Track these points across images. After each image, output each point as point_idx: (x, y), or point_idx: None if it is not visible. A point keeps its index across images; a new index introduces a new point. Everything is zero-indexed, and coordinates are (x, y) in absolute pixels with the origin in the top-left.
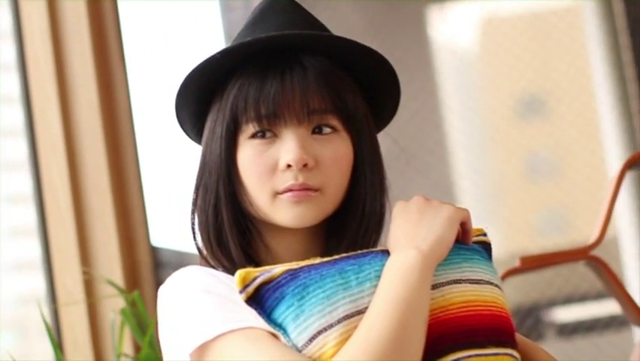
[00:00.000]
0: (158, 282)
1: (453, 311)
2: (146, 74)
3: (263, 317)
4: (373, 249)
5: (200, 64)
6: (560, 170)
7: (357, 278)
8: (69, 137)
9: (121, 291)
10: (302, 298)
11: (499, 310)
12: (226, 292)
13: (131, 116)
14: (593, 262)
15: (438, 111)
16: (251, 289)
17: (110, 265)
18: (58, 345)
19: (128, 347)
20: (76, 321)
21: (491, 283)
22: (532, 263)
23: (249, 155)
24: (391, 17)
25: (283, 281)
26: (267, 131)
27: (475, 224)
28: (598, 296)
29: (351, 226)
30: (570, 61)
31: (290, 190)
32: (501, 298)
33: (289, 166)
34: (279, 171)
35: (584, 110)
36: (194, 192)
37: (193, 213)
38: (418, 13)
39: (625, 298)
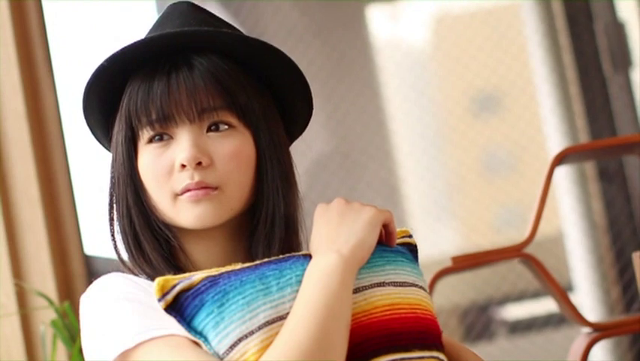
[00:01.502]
0: None
1: (376, 315)
2: (75, 79)
3: (183, 325)
4: (295, 253)
5: (92, 75)
6: (515, 168)
7: (278, 283)
8: None
9: (50, 302)
10: (222, 305)
11: (424, 312)
12: (147, 300)
13: (60, 124)
14: (527, 259)
15: (383, 111)
16: (170, 297)
17: (42, 276)
18: None
19: (61, 357)
20: (10, 333)
21: (416, 285)
22: (465, 262)
23: (147, 160)
24: (334, 17)
25: (203, 288)
26: (162, 134)
27: (431, 223)
28: (536, 294)
29: (261, 227)
30: (522, 58)
31: (188, 190)
32: (426, 300)
33: (184, 166)
34: (175, 173)
35: (530, 106)
36: (109, 202)
37: (111, 222)
38: (360, 13)
39: (559, 295)
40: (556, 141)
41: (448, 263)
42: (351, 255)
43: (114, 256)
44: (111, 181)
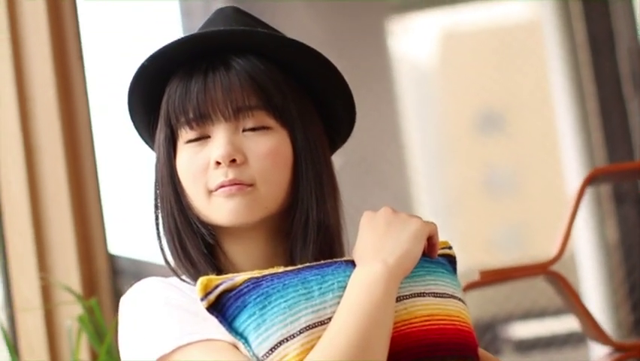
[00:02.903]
0: (116, 290)
1: (416, 325)
2: (105, 78)
3: (224, 325)
4: (337, 259)
5: (134, 75)
6: (518, 185)
7: (320, 289)
8: (27, 143)
9: (78, 298)
10: (264, 307)
11: (463, 324)
12: (186, 304)
13: (89, 122)
14: (552, 277)
15: (397, 122)
16: (212, 296)
17: (67, 272)
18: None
19: (84, 354)
20: (33, 327)
21: (455, 297)
22: (492, 277)
23: (184, 158)
24: (351, 27)
25: (245, 290)
26: (199, 133)
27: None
28: (556, 312)
29: (295, 229)
30: (529, 76)
31: (222, 187)
32: (464, 312)
33: (218, 164)
34: (210, 170)
35: (542, 126)
36: (154, 203)
37: (156, 221)
38: (378, 24)
39: (583, 313)
40: (573, 162)
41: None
42: (396, 265)
43: (137, 257)
44: (155, 181)
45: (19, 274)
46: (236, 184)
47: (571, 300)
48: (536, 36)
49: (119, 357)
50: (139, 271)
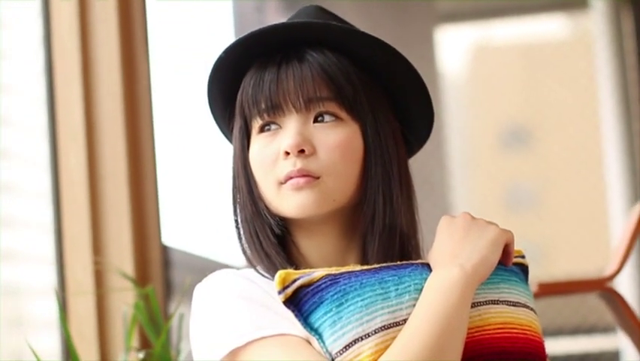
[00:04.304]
0: (167, 280)
1: (489, 332)
2: (168, 71)
3: (299, 320)
4: (413, 261)
5: (212, 67)
6: (540, 202)
7: (397, 290)
8: (90, 129)
9: (135, 284)
10: (341, 304)
11: (534, 334)
12: (260, 298)
13: (151, 113)
14: (609, 294)
15: (442, 132)
16: (290, 290)
17: (121, 259)
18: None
19: (134, 342)
20: (84, 312)
21: (527, 307)
22: (550, 290)
23: (256, 149)
24: (399, 36)
25: (323, 285)
26: (271, 123)
27: None
28: (590, 330)
29: (361, 225)
30: (558, 93)
31: (290, 178)
32: (536, 322)
33: (287, 154)
34: (280, 161)
35: (568, 143)
36: (232, 194)
37: (234, 212)
38: (426, 33)
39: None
40: (616, 181)
41: None
42: (473, 271)
43: (189, 250)
44: (232, 173)
45: (74, 257)
46: (304, 175)
47: (626, 317)
48: (567, 53)
49: (171, 350)
50: (190, 264)
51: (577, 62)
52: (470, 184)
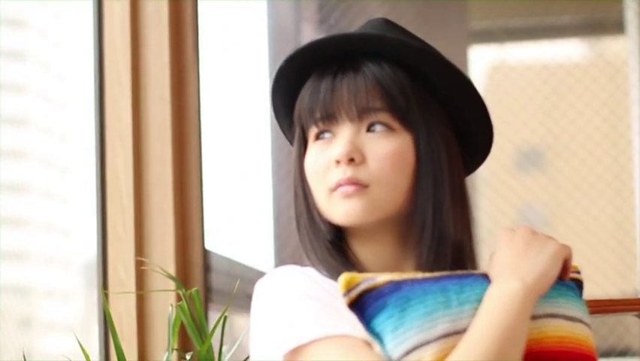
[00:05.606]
0: (207, 285)
1: (547, 345)
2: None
3: (362, 324)
4: (473, 271)
5: (274, 76)
6: (551, 224)
7: (458, 299)
8: (138, 132)
9: (179, 285)
10: (403, 310)
11: (589, 350)
12: (323, 297)
13: (199, 118)
14: None
15: None
16: (354, 294)
17: (164, 260)
18: (105, 334)
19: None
20: (125, 312)
21: (583, 322)
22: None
23: (310, 157)
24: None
25: (386, 291)
26: (325, 132)
27: None
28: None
29: (412, 234)
30: (573, 116)
31: (340, 185)
32: (591, 338)
33: (338, 162)
34: (332, 169)
35: (580, 166)
36: (294, 197)
37: (296, 216)
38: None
39: None
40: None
41: None
42: (534, 284)
43: (230, 256)
44: (293, 179)
45: (117, 256)
46: (353, 183)
47: None
48: (583, 76)
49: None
50: (230, 270)
51: (598, 86)
52: (482, 205)
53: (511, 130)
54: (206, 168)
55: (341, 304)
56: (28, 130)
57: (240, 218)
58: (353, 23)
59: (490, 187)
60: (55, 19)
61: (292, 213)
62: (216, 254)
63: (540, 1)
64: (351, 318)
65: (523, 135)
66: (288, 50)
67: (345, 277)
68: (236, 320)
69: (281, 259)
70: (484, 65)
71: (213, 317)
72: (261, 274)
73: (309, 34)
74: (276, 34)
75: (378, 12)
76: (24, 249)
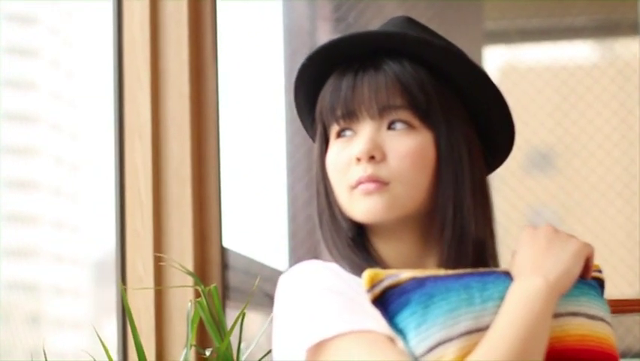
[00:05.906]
0: (224, 282)
1: (569, 343)
2: (234, 72)
3: (386, 319)
4: (496, 269)
5: (297, 74)
6: (566, 224)
7: (481, 296)
8: (156, 128)
9: (198, 282)
10: (426, 307)
11: (610, 349)
12: (346, 292)
13: (217, 115)
14: None
15: None
16: (378, 290)
17: (182, 257)
18: (123, 329)
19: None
20: (143, 308)
21: (604, 321)
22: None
23: (332, 154)
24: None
25: (409, 287)
26: (346, 129)
27: None
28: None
29: (432, 232)
30: (588, 117)
31: (360, 183)
32: (612, 337)
33: (359, 160)
34: (352, 166)
35: (596, 167)
36: (316, 195)
37: (319, 212)
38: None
39: None
40: None
41: None
42: (556, 282)
43: (247, 254)
44: (314, 176)
45: (135, 252)
46: (373, 181)
47: None
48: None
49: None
50: (248, 268)
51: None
52: (497, 203)
53: (527, 130)
54: (226, 165)
55: (364, 299)
56: (38, 127)
57: (256, 216)
58: (370, 23)
59: (506, 186)
60: (67, 17)
61: (310, 213)
62: (233, 252)
63: (555, 2)
64: (375, 314)
65: (539, 135)
66: (304, 49)
67: (369, 273)
68: (253, 318)
69: (296, 258)
70: (499, 65)
71: (230, 314)
72: (277, 273)
73: (325, 32)
74: (291, 32)
75: (394, 12)
76: (34, 246)
